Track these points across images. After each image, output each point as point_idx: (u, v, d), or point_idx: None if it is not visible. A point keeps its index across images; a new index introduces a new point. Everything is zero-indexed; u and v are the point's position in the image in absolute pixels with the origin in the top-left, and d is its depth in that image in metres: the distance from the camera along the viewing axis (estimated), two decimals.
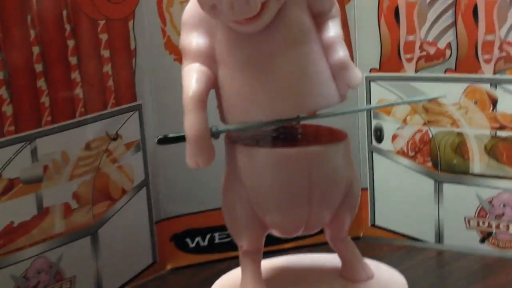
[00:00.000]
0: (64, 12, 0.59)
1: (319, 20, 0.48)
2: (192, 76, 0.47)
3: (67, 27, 0.59)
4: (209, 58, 0.48)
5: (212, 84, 0.48)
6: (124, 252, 0.65)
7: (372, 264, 0.54)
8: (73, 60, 0.60)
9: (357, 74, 0.47)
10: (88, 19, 0.61)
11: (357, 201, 0.52)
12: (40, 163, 0.58)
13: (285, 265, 0.56)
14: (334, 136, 0.51)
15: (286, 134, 0.51)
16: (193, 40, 0.48)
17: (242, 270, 0.51)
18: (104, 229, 0.64)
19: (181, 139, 0.47)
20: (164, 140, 0.48)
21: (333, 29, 0.48)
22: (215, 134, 0.47)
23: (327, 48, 0.48)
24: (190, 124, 0.46)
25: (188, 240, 0.70)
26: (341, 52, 0.47)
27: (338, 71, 0.47)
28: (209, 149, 0.47)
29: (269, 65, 0.46)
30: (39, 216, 0.58)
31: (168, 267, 0.70)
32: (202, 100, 0.46)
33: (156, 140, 0.49)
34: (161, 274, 0.69)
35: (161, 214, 0.69)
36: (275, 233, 0.51)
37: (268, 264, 0.54)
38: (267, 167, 0.48)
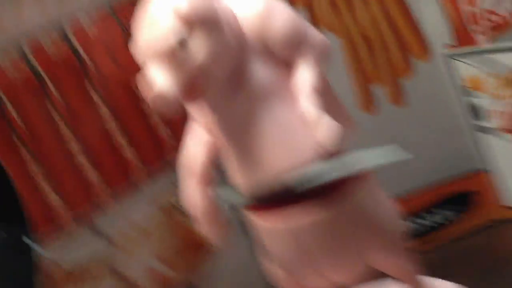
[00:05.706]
0: None
1: (292, 64, 0.41)
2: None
3: None
4: None
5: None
6: None
7: None
8: None
9: (326, 131, 0.39)
10: None
11: (395, 242, 0.43)
12: None
13: None
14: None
15: None
16: None
17: None
18: None
19: None
20: None
21: (299, 77, 0.41)
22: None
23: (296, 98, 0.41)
24: None
25: None
26: (305, 105, 0.40)
27: (307, 123, 0.40)
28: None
29: (242, 131, 0.41)
30: None
31: None
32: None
33: None
34: None
35: None
36: None
37: None
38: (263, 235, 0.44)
